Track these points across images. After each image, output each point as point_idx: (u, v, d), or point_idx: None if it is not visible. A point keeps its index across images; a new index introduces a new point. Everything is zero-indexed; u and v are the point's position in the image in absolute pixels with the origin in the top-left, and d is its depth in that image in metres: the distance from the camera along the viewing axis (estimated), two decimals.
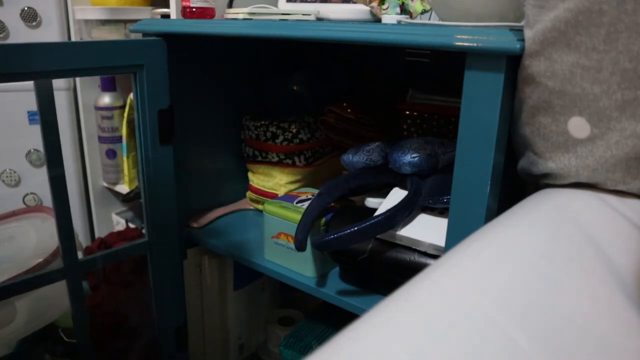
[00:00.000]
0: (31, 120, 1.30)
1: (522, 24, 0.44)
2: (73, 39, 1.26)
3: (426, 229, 0.57)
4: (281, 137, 0.83)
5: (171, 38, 0.72)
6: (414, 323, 0.26)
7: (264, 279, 0.95)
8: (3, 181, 1.33)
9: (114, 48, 0.66)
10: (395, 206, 0.56)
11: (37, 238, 1.14)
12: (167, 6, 0.96)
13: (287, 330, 0.92)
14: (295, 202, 0.71)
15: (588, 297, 0.28)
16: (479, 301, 0.27)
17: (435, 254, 0.56)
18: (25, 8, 1.21)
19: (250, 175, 0.90)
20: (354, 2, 0.73)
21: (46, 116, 0.63)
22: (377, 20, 0.71)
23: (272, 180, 0.85)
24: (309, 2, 0.78)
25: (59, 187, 0.67)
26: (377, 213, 0.58)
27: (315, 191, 0.76)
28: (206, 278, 0.86)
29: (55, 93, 0.64)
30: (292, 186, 0.85)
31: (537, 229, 0.35)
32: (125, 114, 1.25)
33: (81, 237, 1.39)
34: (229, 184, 0.92)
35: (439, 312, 0.27)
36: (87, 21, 1.26)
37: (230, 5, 0.86)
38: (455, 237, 0.49)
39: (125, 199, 1.31)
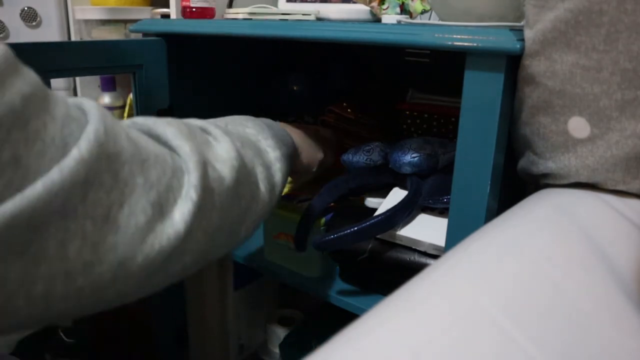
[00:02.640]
0: None
1: (522, 24, 0.44)
2: (73, 39, 1.26)
3: (426, 229, 0.57)
4: None
5: (171, 38, 0.72)
6: (414, 323, 0.26)
7: (264, 279, 0.95)
8: None
9: (113, 48, 0.66)
10: (395, 206, 0.56)
11: None
12: (167, 6, 0.96)
13: (287, 330, 0.91)
14: (295, 202, 0.71)
15: (588, 297, 0.28)
16: (479, 301, 0.27)
17: (435, 254, 0.56)
18: (25, 8, 1.21)
19: None
20: (354, 2, 0.73)
21: None
22: (377, 20, 0.71)
23: None
24: (309, 2, 0.78)
25: None
26: (377, 213, 0.58)
27: (316, 191, 0.76)
28: (206, 278, 0.86)
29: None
30: (292, 186, 0.85)
31: (537, 228, 0.35)
32: (125, 114, 1.24)
33: None
34: None
35: (439, 312, 0.27)
36: (87, 21, 1.26)
37: (230, 5, 0.86)
38: (455, 237, 0.49)
39: None
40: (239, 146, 0.44)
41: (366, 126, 0.82)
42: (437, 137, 0.67)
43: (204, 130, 0.44)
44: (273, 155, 0.49)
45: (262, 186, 0.45)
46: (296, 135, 0.60)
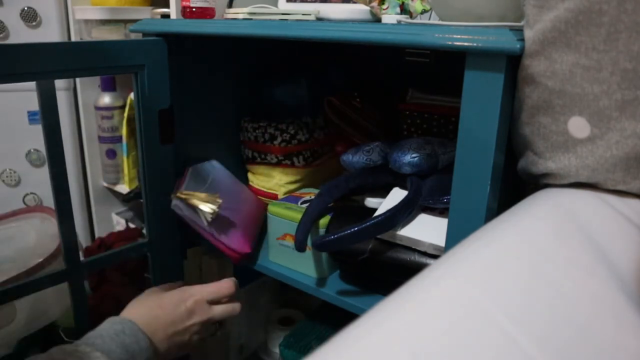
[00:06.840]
0: (31, 120, 1.30)
1: (522, 24, 0.44)
2: (73, 39, 1.26)
3: (426, 229, 0.57)
4: (279, 139, 0.83)
5: (171, 38, 0.72)
6: (414, 323, 0.26)
7: (264, 279, 0.95)
8: (3, 181, 1.33)
9: (115, 48, 0.66)
10: (396, 206, 0.56)
11: (37, 238, 1.14)
12: (167, 6, 0.96)
13: (287, 330, 0.92)
14: (299, 203, 0.71)
15: (588, 297, 0.28)
16: (479, 301, 0.27)
17: (435, 254, 0.56)
18: (25, 8, 1.21)
19: (250, 175, 0.90)
20: (354, 2, 0.73)
21: (48, 117, 0.63)
22: (377, 20, 0.71)
23: (272, 180, 0.85)
24: (309, 2, 0.78)
25: (61, 190, 0.66)
26: (377, 213, 0.58)
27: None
28: (206, 278, 0.86)
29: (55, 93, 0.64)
30: (292, 186, 0.85)
31: (537, 228, 0.35)
32: (126, 114, 1.25)
33: (81, 237, 1.39)
34: None
35: (439, 312, 0.27)
36: (87, 21, 1.26)
37: (230, 5, 0.86)
38: (455, 237, 0.49)
39: (125, 199, 1.31)
40: None
41: (368, 118, 0.83)
42: (437, 137, 0.67)
43: None
44: None
45: None
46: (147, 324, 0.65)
